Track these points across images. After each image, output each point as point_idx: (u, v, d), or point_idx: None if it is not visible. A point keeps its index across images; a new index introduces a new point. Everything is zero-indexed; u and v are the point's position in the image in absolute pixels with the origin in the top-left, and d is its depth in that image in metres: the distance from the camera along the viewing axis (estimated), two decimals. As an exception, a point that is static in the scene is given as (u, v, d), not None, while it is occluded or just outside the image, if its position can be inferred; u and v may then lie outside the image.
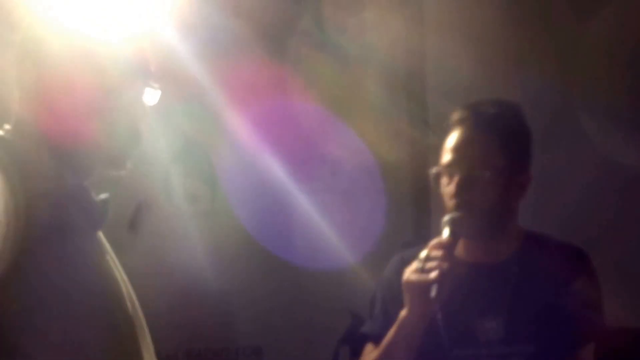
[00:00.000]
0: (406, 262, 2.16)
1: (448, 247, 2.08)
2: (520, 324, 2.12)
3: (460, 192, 2.11)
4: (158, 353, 1.57)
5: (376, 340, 2.18)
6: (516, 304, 2.13)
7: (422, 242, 2.20)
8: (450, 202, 2.13)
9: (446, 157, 2.15)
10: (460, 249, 2.18)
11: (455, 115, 2.19)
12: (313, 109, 3.03)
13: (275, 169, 2.88)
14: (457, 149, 2.14)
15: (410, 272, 2.07)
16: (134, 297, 1.59)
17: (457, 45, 2.99)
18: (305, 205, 3.01)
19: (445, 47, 3.00)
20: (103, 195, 1.56)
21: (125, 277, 1.58)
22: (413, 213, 3.20)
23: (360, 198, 3.21)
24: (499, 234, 2.17)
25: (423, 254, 2.07)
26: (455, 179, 2.12)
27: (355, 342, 2.98)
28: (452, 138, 2.16)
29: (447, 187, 2.14)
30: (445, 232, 2.10)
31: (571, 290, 2.17)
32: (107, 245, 1.57)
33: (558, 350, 2.15)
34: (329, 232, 3.01)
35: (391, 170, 3.20)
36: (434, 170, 2.18)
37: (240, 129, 2.86)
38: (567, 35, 3.08)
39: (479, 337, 2.13)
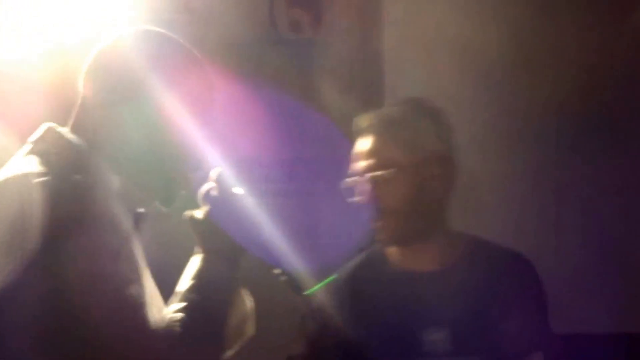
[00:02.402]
0: (339, 284, 2.16)
1: None
2: (466, 334, 2.08)
3: (372, 197, 2.08)
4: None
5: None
6: (460, 314, 2.09)
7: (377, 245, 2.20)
8: (376, 209, 2.09)
9: (352, 165, 2.14)
10: (398, 257, 2.16)
11: (358, 122, 2.17)
12: (268, 111, 3.01)
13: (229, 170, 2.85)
14: (359, 155, 2.13)
15: None
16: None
17: (415, 49, 2.98)
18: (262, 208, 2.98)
19: (404, 51, 2.99)
20: (140, 209, 1.62)
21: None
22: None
23: (318, 200, 3.19)
24: (428, 237, 2.12)
25: None
26: (364, 185, 2.09)
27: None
28: (355, 145, 2.15)
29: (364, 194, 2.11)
30: None
31: (516, 298, 2.14)
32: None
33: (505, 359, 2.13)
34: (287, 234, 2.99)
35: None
36: (345, 183, 2.16)
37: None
38: (528, 37, 3.07)
39: (423, 349, 2.09)
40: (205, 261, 1.59)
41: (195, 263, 1.60)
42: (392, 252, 2.17)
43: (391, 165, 2.07)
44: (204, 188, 1.67)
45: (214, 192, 1.64)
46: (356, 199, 2.13)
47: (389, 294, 2.12)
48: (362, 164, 2.12)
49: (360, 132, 2.14)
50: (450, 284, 2.12)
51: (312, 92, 3.08)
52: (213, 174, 1.67)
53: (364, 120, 2.15)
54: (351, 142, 2.17)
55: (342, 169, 2.77)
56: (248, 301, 1.68)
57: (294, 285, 1.69)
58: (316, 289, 1.87)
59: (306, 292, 1.71)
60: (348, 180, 2.15)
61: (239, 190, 1.67)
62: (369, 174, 2.09)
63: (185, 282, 1.57)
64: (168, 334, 1.46)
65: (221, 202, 1.63)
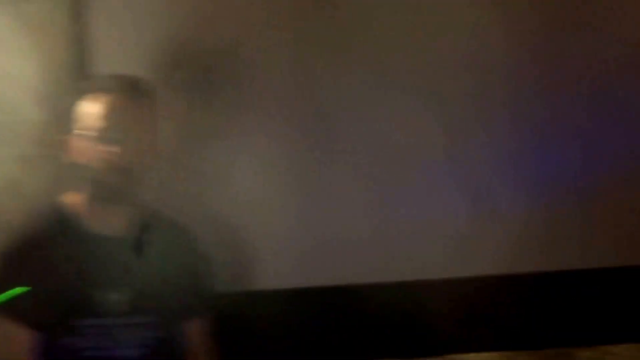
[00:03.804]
0: (31, 235, 2.28)
1: None
2: (142, 296, 2.26)
3: (118, 158, 2.21)
4: None
5: None
6: (138, 278, 2.26)
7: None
8: (101, 165, 2.22)
9: (97, 122, 2.24)
10: (86, 219, 2.27)
11: (97, 84, 2.31)
12: None
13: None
14: (111, 117, 2.24)
15: None
16: None
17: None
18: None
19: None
20: None
21: None
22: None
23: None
24: (123, 201, 2.28)
25: None
26: (113, 144, 2.22)
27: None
28: (99, 105, 2.25)
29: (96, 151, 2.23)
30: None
31: (186, 266, 2.37)
32: None
33: (175, 320, 2.34)
34: None
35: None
36: (76, 132, 2.26)
37: None
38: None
39: (103, 308, 2.22)
40: None
41: None
42: (81, 212, 2.28)
43: (146, 131, 2.28)
44: None
45: None
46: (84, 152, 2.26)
47: (73, 253, 2.24)
48: (113, 124, 2.24)
49: (104, 94, 2.26)
50: (131, 249, 2.28)
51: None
52: None
53: (106, 83, 2.29)
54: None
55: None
56: None
57: None
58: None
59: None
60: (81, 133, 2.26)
61: None
62: (123, 136, 2.24)
63: None
64: None
65: None
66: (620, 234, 2.79)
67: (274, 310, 2.61)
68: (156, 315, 2.28)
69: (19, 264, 2.21)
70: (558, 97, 2.76)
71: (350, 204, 2.70)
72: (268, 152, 2.67)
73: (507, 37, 2.73)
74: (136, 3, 2.65)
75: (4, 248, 2.24)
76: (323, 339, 2.67)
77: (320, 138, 2.69)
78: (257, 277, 2.67)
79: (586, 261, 2.77)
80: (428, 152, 2.72)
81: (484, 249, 2.72)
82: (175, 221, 2.41)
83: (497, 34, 2.72)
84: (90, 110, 2.25)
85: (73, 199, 2.29)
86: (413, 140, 2.71)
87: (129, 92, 2.27)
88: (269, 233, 2.66)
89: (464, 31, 2.71)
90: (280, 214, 2.68)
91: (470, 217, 2.73)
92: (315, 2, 2.69)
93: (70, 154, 2.28)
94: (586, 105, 2.77)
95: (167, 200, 2.50)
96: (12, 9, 2.58)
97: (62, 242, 2.24)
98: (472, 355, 2.72)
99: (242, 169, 2.66)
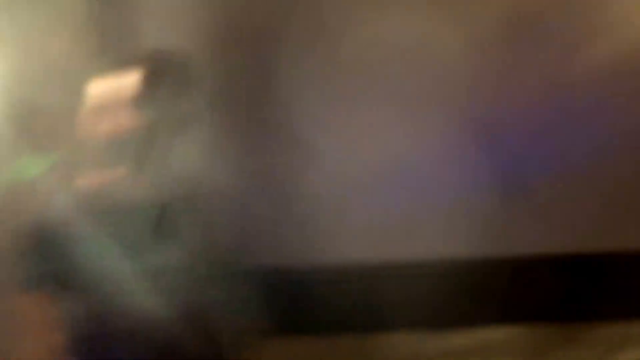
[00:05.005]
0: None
1: None
2: (170, 264, 2.30)
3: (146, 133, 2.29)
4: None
5: None
6: (166, 246, 2.30)
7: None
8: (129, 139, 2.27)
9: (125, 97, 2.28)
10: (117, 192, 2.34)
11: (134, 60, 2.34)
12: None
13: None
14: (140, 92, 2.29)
15: None
16: None
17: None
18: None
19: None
20: None
21: None
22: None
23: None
24: (157, 175, 2.33)
25: None
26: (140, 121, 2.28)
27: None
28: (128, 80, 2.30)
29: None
30: None
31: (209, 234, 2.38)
32: None
33: (207, 287, 2.35)
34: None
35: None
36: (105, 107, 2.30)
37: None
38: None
39: (133, 277, 2.27)
40: None
41: None
42: (111, 186, 2.34)
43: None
44: None
45: None
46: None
47: (104, 225, 2.30)
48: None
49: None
50: (160, 219, 2.34)
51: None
52: None
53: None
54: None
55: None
56: None
57: None
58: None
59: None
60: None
61: None
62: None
63: None
64: None
65: None
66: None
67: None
68: (186, 281, 2.32)
69: (54, 238, 2.27)
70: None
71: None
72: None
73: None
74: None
75: (40, 225, 2.31)
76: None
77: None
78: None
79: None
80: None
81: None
82: (207, 190, 2.44)
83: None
84: (120, 85, 2.30)
85: (105, 174, 2.34)
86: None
87: (159, 67, 2.31)
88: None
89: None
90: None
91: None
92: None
93: (99, 128, 2.32)
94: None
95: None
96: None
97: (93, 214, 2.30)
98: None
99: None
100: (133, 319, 2.27)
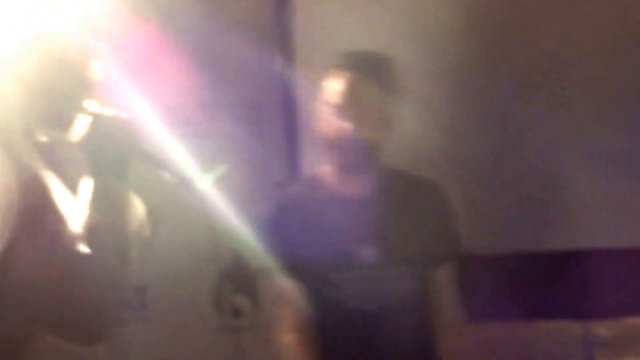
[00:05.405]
0: (291, 203, 2.48)
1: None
2: (392, 249, 2.42)
3: (355, 130, 2.36)
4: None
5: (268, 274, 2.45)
6: (386, 231, 2.43)
7: (295, 180, 2.46)
8: (339, 138, 2.37)
9: (335, 98, 2.39)
10: (334, 184, 2.45)
11: (340, 60, 2.43)
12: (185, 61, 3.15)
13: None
14: (348, 94, 2.38)
15: None
16: None
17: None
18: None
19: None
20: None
21: None
22: (284, 152, 3.36)
23: (234, 141, 3.34)
24: (367, 171, 2.45)
25: None
26: (348, 121, 2.36)
27: (238, 277, 3.17)
28: (338, 82, 2.39)
29: (333, 123, 2.38)
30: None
31: (432, 219, 2.50)
32: None
33: (426, 270, 2.47)
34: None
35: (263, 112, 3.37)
36: (320, 105, 2.41)
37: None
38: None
39: (356, 262, 2.40)
40: (95, 182, 1.66)
41: (87, 188, 1.67)
42: (330, 180, 2.46)
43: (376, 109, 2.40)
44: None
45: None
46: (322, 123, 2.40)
47: (327, 217, 2.43)
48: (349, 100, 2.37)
49: (344, 71, 2.40)
50: (378, 206, 2.45)
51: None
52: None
53: (347, 60, 2.42)
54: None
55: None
56: (140, 206, 1.79)
57: (186, 184, 1.73)
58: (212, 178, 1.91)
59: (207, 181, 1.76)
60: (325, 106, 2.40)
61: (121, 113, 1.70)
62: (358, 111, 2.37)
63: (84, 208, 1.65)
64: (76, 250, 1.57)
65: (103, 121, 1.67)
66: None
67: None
68: (408, 266, 2.42)
69: (281, 228, 2.44)
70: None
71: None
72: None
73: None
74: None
75: (266, 215, 2.48)
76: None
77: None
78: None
79: None
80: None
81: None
82: (418, 176, 2.56)
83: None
84: (331, 86, 2.40)
85: (324, 169, 2.48)
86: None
87: (366, 70, 2.37)
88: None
89: None
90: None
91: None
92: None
93: (315, 124, 2.45)
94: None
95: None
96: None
97: (316, 207, 2.45)
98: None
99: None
100: (368, 308, 2.34)
